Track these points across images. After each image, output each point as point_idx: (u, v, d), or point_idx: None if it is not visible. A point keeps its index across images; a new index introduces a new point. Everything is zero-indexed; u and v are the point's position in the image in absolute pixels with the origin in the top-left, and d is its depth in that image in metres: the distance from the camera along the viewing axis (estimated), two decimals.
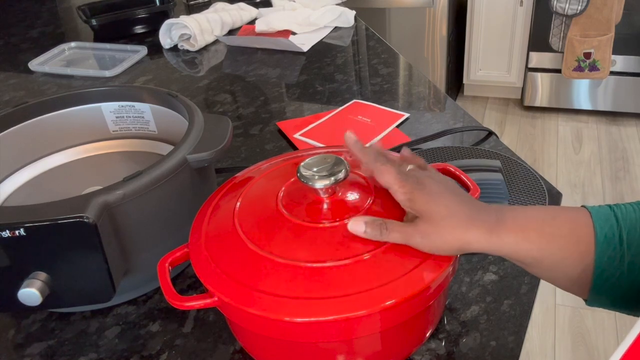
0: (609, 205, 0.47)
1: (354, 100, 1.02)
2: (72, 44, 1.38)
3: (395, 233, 0.47)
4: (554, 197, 0.73)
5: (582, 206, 0.47)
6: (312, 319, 0.44)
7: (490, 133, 0.90)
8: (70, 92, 0.75)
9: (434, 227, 0.46)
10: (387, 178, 0.49)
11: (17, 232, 0.50)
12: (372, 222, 0.48)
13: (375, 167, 0.50)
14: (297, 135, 0.93)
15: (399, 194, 0.48)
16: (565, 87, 2.68)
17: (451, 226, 0.46)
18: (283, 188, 0.55)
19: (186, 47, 1.32)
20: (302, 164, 0.53)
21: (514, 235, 0.46)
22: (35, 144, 0.73)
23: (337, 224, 0.50)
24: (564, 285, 0.48)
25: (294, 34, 1.36)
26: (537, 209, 0.49)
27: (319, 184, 0.51)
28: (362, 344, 0.49)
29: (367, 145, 0.54)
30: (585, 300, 0.48)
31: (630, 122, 2.65)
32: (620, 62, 2.51)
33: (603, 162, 2.41)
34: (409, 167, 0.52)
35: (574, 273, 0.46)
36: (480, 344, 0.55)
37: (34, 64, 1.27)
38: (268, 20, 1.34)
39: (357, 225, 0.48)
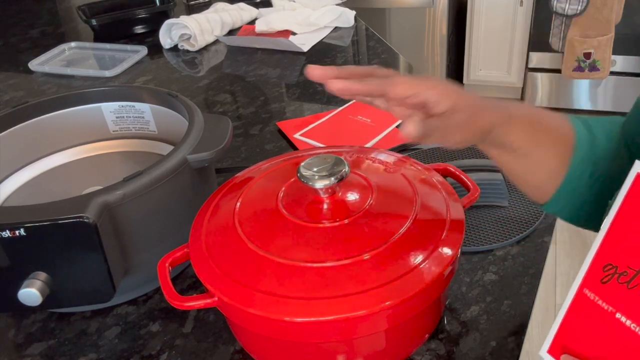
0: (578, 117, 0.53)
1: (354, 100, 1.02)
2: (72, 44, 1.38)
3: (437, 132, 0.46)
4: None
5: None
6: (312, 319, 0.44)
7: None
8: (70, 92, 0.75)
9: (468, 114, 0.47)
10: (406, 86, 0.44)
11: (17, 232, 0.50)
12: (420, 122, 0.44)
13: (387, 82, 0.45)
14: (297, 136, 0.93)
15: (432, 94, 0.44)
16: (565, 87, 2.67)
17: (484, 109, 0.48)
18: (283, 188, 0.55)
19: (186, 47, 1.32)
20: (302, 164, 0.53)
21: (523, 123, 0.50)
22: (35, 144, 0.73)
23: (337, 224, 0.50)
24: (539, 180, 0.53)
25: (294, 34, 1.36)
26: (533, 107, 0.54)
27: (319, 184, 0.51)
28: (362, 344, 0.49)
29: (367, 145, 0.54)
30: (543, 205, 0.54)
31: None
32: (620, 62, 2.50)
33: None
34: None
35: (553, 166, 0.51)
36: (480, 344, 0.55)
37: (34, 64, 1.27)
38: (268, 20, 1.34)
39: (410, 127, 0.44)
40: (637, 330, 0.36)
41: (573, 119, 0.53)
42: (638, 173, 0.37)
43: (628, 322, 0.37)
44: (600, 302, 0.38)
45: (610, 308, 0.37)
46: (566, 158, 0.51)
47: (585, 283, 0.39)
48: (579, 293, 0.39)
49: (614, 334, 0.37)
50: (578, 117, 0.54)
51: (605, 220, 0.38)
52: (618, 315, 0.37)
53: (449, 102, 0.45)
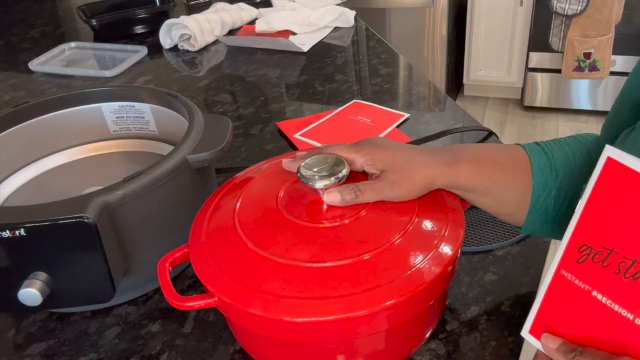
0: (537, 143, 0.55)
1: (354, 101, 1.02)
2: (72, 44, 1.38)
3: (368, 192, 0.51)
4: None
5: (516, 144, 0.55)
6: (312, 319, 0.44)
7: (491, 133, 0.90)
8: (70, 92, 0.75)
9: (401, 173, 0.51)
10: (344, 153, 0.53)
11: (17, 232, 0.50)
12: (344, 188, 0.51)
13: (331, 148, 0.53)
14: (297, 136, 0.93)
15: (365, 160, 0.52)
16: (565, 87, 2.68)
17: (417, 167, 0.51)
18: (283, 188, 0.55)
19: (186, 47, 1.32)
20: (302, 164, 0.53)
21: (469, 165, 0.52)
22: (35, 144, 0.73)
23: (337, 224, 0.50)
24: (507, 211, 0.54)
25: (294, 34, 1.36)
26: (482, 145, 0.56)
27: (319, 184, 0.51)
28: (362, 344, 0.49)
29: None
30: (521, 229, 0.55)
31: None
32: (620, 62, 2.51)
33: None
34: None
35: (517, 197, 0.53)
36: (480, 344, 0.55)
37: (34, 64, 1.27)
38: (268, 20, 1.34)
39: (333, 196, 0.51)
40: (612, 306, 0.38)
41: (528, 147, 0.54)
42: (608, 157, 0.39)
43: (604, 299, 0.39)
44: (577, 281, 0.40)
45: (587, 287, 0.39)
46: (527, 186, 0.52)
47: (562, 264, 0.41)
48: (557, 274, 0.41)
49: (591, 311, 0.39)
50: (536, 143, 0.55)
51: (579, 204, 0.40)
52: (594, 293, 0.39)
53: (380, 166, 0.52)
